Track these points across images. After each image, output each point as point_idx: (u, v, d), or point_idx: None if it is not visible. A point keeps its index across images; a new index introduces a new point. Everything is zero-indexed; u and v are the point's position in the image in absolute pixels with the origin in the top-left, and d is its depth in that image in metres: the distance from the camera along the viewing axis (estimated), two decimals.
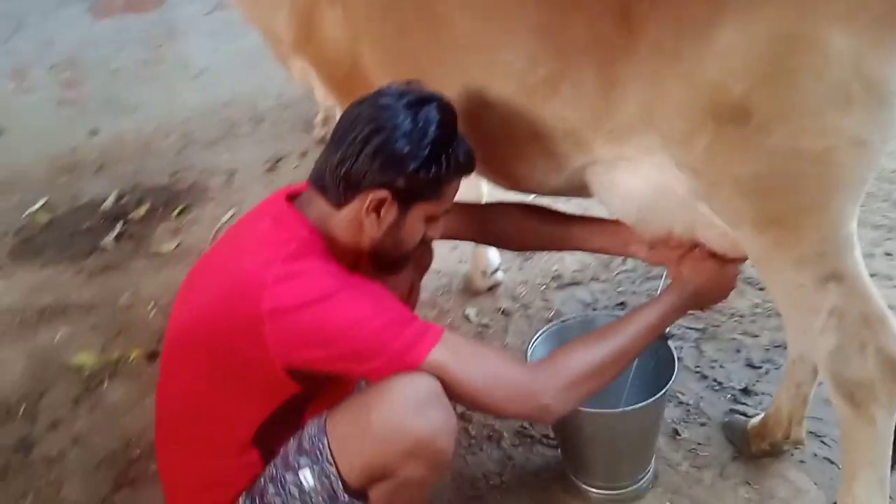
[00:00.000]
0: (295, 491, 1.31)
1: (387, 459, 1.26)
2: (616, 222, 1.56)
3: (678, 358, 1.70)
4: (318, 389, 1.37)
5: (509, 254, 2.63)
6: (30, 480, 2.06)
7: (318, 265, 1.28)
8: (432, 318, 2.43)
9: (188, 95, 3.64)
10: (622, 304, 2.39)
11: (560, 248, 1.79)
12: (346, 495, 1.29)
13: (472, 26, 1.42)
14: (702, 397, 2.00)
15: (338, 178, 1.32)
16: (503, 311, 2.45)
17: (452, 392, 1.28)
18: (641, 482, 1.74)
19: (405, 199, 1.34)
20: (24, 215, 3.38)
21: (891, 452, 1.40)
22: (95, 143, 3.64)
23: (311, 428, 1.33)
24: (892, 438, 1.39)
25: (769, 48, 1.12)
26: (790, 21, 1.09)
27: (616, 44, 1.27)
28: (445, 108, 1.35)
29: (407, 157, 1.29)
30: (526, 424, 1.96)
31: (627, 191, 1.45)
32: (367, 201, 1.31)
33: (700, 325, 2.24)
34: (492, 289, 2.53)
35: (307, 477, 1.30)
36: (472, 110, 1.49)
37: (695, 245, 1.48)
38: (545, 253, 2.61)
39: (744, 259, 1.45)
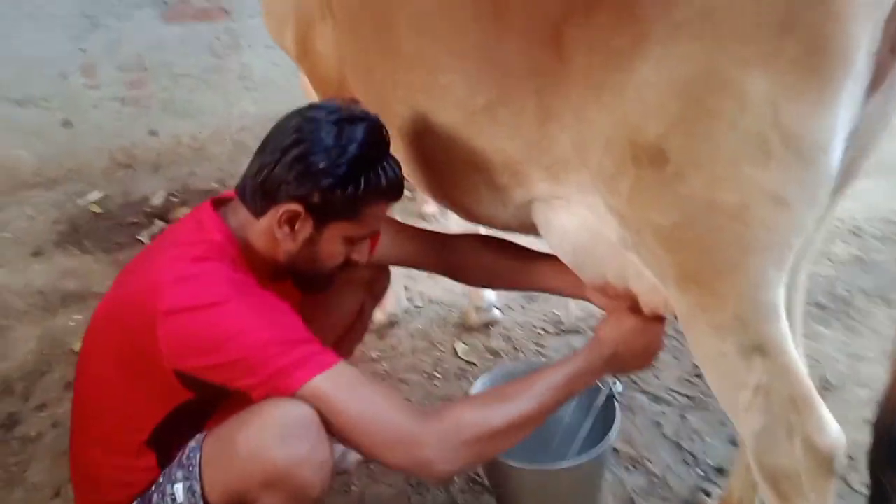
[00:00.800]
0: (170, 503, 1.28)
1: (246, 486, 1.19)
2: None
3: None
4: (215, 400, 1.33)
5: (514, 294, 2.54)
6: (2, 457, 2.12)
7: (219, 271, 1.25)
8: (420, 349, 2.37)
9: (245, 104, 3.75)
10: None
11: (518, 286, 1.70)
12: None
13: (418, 46, 1.37)
14: (671, 469, 1.85)
15: (255, 187, 1.30)
16: (493, 352, 2.35)
17: (331, 427, 1.21)
18: None
19: (320, 216, 1.29)
20: (77, 204, 3.55)
21: None
22: (153, 142, 3.79)
23: (193, 441, 1.28)
24: None
25: (685, 87, 1.01)
26: (707, 58, 0.98)
27: (550, 72, 1.19)
28: (374, 129, 1.31)
29: (322, 172, 1.25)
30: (479, 472, 1.86)
31: (563, 231, 1.36)
32: (280, 212, 1.28)
33: (691, 392, 2.08)
34: (487, 326, 2.44)
35: (178, 491, 1.26)
36: (418, 135, 1.45)
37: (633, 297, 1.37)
38: (550, 296, 2.50)
39: (664, 319, 1.33)
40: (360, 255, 1.39)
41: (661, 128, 1.05)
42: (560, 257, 1.42)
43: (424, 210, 3.19)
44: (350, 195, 1.27)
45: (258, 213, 1.31)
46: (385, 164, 1.31)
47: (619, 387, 1.60)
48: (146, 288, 1.25)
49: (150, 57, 3.62)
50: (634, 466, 1.86)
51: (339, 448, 1.89)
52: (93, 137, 3.65)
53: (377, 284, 1.70)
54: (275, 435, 1.17)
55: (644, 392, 2.12)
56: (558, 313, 2.50)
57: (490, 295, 2.41)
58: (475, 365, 2.30)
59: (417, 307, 2.58)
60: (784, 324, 1.12)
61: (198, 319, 1.19)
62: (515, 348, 2.36)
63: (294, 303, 1.48)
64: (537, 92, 1.22)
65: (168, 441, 1.32)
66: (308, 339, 1.24)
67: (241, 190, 1.33)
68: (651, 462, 1.87)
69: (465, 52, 1.28)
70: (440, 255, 1.66)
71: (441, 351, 2.37)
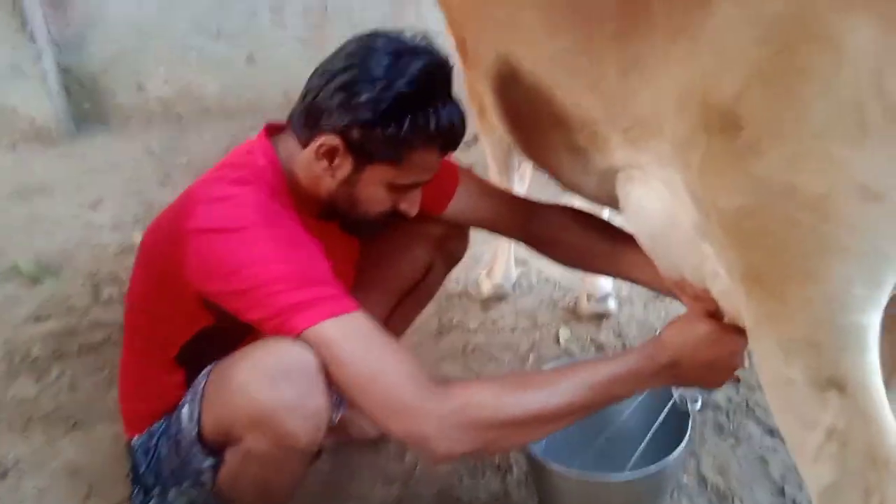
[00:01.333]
0: (178, 425, 1.26)
1: (232, 421, 1.15)
2: None
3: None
4: (238, 328, 1.27)
5: (640, 288, 2.30)
6: None
7: (252, 195, 1.19)
8: (522, 328, 2.22)
9: None
10: None
11: (604, 271, 1.50)
12: (198, 444, 1.21)
13: None
14: None
15: (301, 112, 1.23)
16: (599, 345, 2.14)
17: (333, 377, 1.12)
18: None
19: (359, 155, 1.20)
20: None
21: None
22: None
23: (208, 367, 1.25)
24: None
25: (771, 29, 0.79)
26: (795, 3, 0.76)
27: (631, 13, 1.00)
28: (432, 66, 1.19)
29: (363, 104, 1.15)
30: None
31: (640, 210, 1.16)
32: (319, 144, 1.19)
33: None
34: (599, 317, 2.23)
35: (184, 414, 1.24)
36: (505, 83, 1.31)
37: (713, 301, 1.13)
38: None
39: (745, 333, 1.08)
40: (410, 205, 1.27)
41: (738, 85, 0.83)
42: (640, 243, 1.22)
43: None
44: (392, 135, 1.16)
45: (303, 142, 1.23)
46: (439, 106, 1.18)
47: (698, 405, 1.37)
48: (184, 206, 1.22)
49: (332, 2, 3.70)
50: (721, 501, 1.60)
51: None
52: (273, 75, 3.81)
53: (451, 244, 1.57)
54: (266, 374, 1.10)
55: (758, 422, 1.82)
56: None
57: (607, 284, 2.19)
58: (572, 354, 2.11)
59: (530, 284, 2.42)
60: (873, 357, 0.87)
61: (219, 242, 1.15)
62: (624, 344, 2.13)
63: (346, 247, 1.41)
64: (616, 38, 1.03)
65: (196, 362, 1.29)
66: (326, 282, 1.15)
67: (291, 116, 1.26)
68: (742, 501, 1.60)
69: None
70: (526, 223, 1.50)
71: (543, 334, 2.20)
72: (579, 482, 1.27)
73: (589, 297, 2.20)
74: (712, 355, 1.13)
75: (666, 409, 1.34)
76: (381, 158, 1.20)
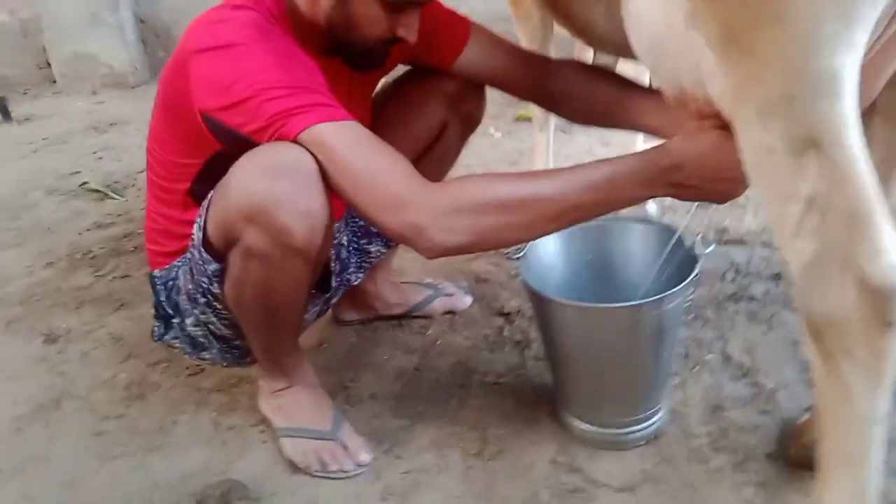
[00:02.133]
0: (191, 241, 1.31)
1: (232, 219, 1.17)
2: None
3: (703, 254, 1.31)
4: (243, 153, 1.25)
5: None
6: None
7: (250, 17, 1.22)
8: None
9: (475, 3, 3.75)
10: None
11: (614, 122, 1.45)
12: (203, 249, 1.25)
13: None
14: (787, 387, 1.50)
15: None
16: None
17: (328, 176, 1.14)
18: (639, 426, 1.36)
19: None
20: None
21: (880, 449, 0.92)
22: None
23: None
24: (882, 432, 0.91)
25: None
26: None
27: None
28: None
29: None
30: None
31: (639, 18, 1.14)
32: None
33: None
34: None
35: (195, 230, 1.29)
36: None
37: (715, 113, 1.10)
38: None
39: None
40: (408, 31, 1.28)
41: None
42: (642, 60, 1.20)
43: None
44: None
45: None
46: None
47: (711, 247, 1.32)
48: (187, 34, 1.26)
49: None
50: (744, 375, 1.55)
51: (425, 291, 1.84)
52: None
53: (465, 104, 1.56)
54: (263, 169, 1.13)
55: (793, 309, 1.75)
56: (727, 222, 2.16)
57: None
58: None
59: None
60: (849, 106, 0.83)
61: (216, 58, 1.18)
62: None
63: (352, 88, 1.42)
64: None
65: (207, 194, 1.32)
66: (322, 92, 1.17)
67: None
68: (766, 375, 1.54)
69: None
70: (539, 77, 1.49)
71: None
72: (578, 310, 1.25)
73: None
74: (716, 161, 1.09)
75: (672, 242, 1.30)
76: None
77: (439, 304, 1.83)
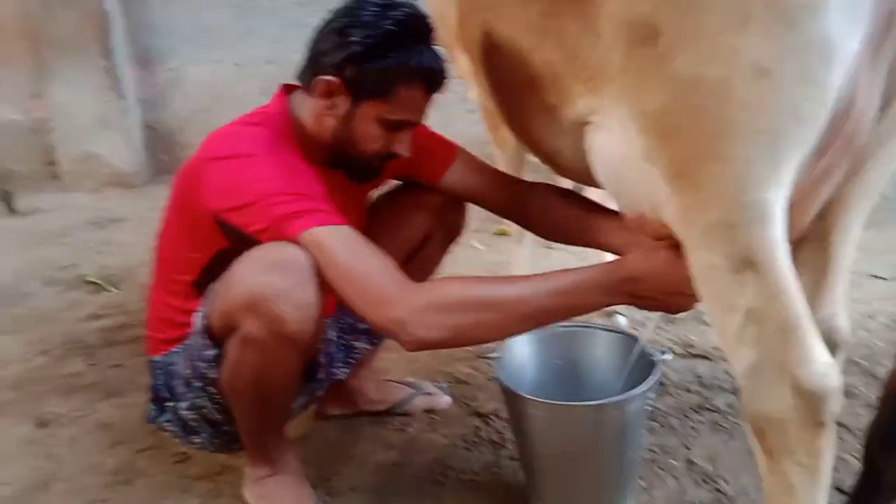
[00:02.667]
0: (192, 340, 1.43)
1: (233, 308, 1.30)
2: None
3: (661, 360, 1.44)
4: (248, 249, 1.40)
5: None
6: None
7: (259, 132, 1.39)
8: None
9: (462, 126, 3.98)
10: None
11: (581, 239, 1.60)
12: (205, 334, 1.36)
13: None
14: (747, 494, 1.59)
15: (304, 60, 1.44)
16: None
17: (324, 275, 1.28)
18: None
19: (354, 90, 1.39)
20: None
21: None
22: None
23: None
24: None
25: None
26: None
27: None
28: (415, 15, 1.40)
29: (355, 42, 1.36)
30: None
31: (601, 154, 1.30)
32: (319, 83, 1.39)
33: None
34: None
35: (198, 318, 1.41)
36: (489, 57, 1.48)
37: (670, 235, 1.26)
38: (688, 319, 2.32)
39: None
40: (402, 146, 1.45)
41: (653, 1, 0.99)
42: (602, 185, 1.36)
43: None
44: (381, 69, 1.35)
45: (307, 87, 1.43)
46: (422, 48, 1.38)
47: (668, 355, 1.46)
48: (202, 146, 1.43)
49: None
50: (705, 482, 1.64)
51: (406, 390, 1.93)
52: None
53: (449, 216, 1.72)
54: (264, 265, 1.27)
55: None
56: (693, 337, 2.30)
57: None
58: None
59: None
60: (779, 232, 0.98)
61: (228, 166, 1.34)
62: None
63: (352, 195, 1.58)
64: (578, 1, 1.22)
65: (210, 286, 1.44)
66: (321, 200, 1.32)
67: (299, 72, 1.47)
68: (727, 482, 1.63)
69: None
70: (515, 198, 1.66)
71: None
72: (547, 407, 1.36)
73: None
74: (669, 276, 1.23)
75: (635, 350, 1.43)
76: (372, 93, 1.38)
77: (420, 403, 1.92)
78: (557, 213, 1.60)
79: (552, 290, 1.24)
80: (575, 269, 1.27)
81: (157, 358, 1.54)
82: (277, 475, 1.53)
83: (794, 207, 1.12)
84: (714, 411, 1.91)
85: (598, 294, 1.25)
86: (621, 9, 1.05)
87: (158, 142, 4.28)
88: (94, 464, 1.79)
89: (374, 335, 1.75)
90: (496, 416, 1.90)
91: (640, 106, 1.07)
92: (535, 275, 1.27)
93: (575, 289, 1.24)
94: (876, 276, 2.69)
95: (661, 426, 1.84)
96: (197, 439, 1.56)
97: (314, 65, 1.42)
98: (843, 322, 1.15)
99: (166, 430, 1.59)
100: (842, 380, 0.98)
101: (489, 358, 1.54)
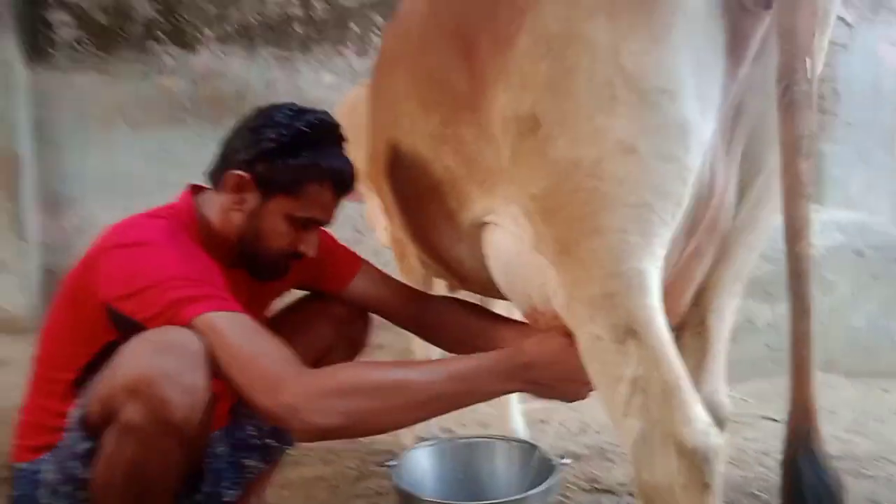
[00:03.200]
0: (65, 443, 1.34)
1: (113, 393, 1.23)
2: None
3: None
4: None
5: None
6: None
7: (164, 223, 1.40)
8: None
9: None
10: None
11: (483, 349, 1.63)
12: (81, 426, 1.28)
13: (389, 82, 1.55)
14: None
15: (216, 158, 1.49)
16: None
17: (216, 359, 1.24)
18: None
19: (264, 186, 1.43)
20: None
21: None
22: None
23: None
24: None
25: (550, 47, 1.06)
26: (563, 17, 1.04)
27: (472, 86, 1.27)
28: (327, 120, 1.48)
29: (268, 139, 1.42)
30: None
31: (496, 251, 1.37)
32: (229, 178, 1.43)
33: None
34: None
35: (74, 414, 1.32)
36: (394, 169, 1.58)
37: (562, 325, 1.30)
38: (594, 455, 2.32)
39: None
40: (308, 246, 1.48)
41: (534, 94, 1.09)
42: (499, 285, 1.41)
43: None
44: (291, 166, 1.40)
45: (216, 183, 1.47)
46: (333, 150, 1.45)
47: (568, 460, 1.45)
48: (100, 237, 1.42)
49: None
50: None
51: None
52: None
53: (352, 328, 1.71)
54: (152, 346, 1.22)
55: None
56: (598, 473, 2.28)
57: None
58: None
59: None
60: (656, 301, 1.04)
61: (125, 253, 1.33)
62: None
63: (255, 293, 1.56)
64: (468, 106, 1.31)
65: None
66: (218, 287, 1.31)
67: (210, 171, 1.51)
68: None
69: (418, 79, 1.43)
70: (417, 310, 1.68)
71: None
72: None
73: None
74: (564, 364, 1.26)
75: (534, 459, 1.42)
76: (282, 189, 1.42)
77: None
78: (458, 323, 1.63)
79: (451, 375, 1.24)
80: (474, 356, 1.29)
81: (23, 466, 1.41)
82: None
83: (672, 290, 1.20)
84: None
85: (496, 380, 1.26)
86: (507, 106, 1.15)
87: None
88: None
89: (268, 453, 1.67)
90: None
91: (527, 191, 1.14)
92: (434, 360, 1.28)
93: (473, 374, 1.25)
94: (768, 418, 2.78)
95: None
96: None
97: (225, 162, 1.46)
98: (724, 398, 1.19)
99: None
100: (722, 442, 1.00)
101: (388, 466, 1.48)
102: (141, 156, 4.14)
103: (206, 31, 4.19)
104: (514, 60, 1.13)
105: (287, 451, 1.74)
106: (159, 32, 4.19)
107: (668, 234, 1.06)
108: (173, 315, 1.25)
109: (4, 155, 3.95)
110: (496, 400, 1.38)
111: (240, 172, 1.43)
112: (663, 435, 1.02)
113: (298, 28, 4.16)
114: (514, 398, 2.38)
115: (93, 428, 1.28)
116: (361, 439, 2.46)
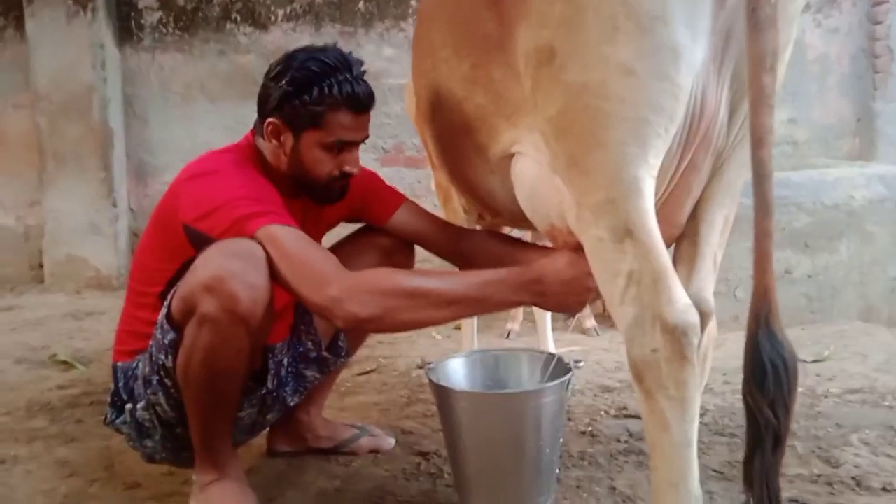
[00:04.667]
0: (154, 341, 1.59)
1: (192, 289, 1.46)
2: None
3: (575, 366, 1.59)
4: None
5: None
6: None
7: (230, 156, 1.64)
8: None
9: None
10: None
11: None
12: (165, 320, 1.52)
13: (428, 32, 1.74)
14: None
15: (257, 109, 1.70)
16: None
17: (273, 263, 1.46)
18: None
19: (294, 125, 1.63)
20: None
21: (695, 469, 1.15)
22: None
23: None
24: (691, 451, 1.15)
25: None
26: None
27: (506, 24, 1.42)
28: (338, 53, 1.65)
29: (287, 82, 1.60)
30: None
31: (521, 178, 1.54)
32: (266, 126, 1.65)
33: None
34: None
35: (162, 314, 1.57)
36: (434, 111, 1.76)
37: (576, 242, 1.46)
38: (625, 388, 2.47)
39: None
40: (351, 164, 1.68)
41: (551, 29, 1.26)
42: (524, 209, 1.58)
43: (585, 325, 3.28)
44: (307, 102, 1.59)
45: (262, 132, 1.68)
46: (345, 77, 1.61)
47: (580, 364, 1.62)
48: (183, 169, 1.67)
49: None
50: (625, 502, 1.74)
51: (352, 430, 2.04)
52: None
53: (397, 256, 1.89)
54: (223, 253, 1.46)
55: None
56: (628, 402, 2.42)
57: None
58: None
59: None
60: (649, 203, 1.21)
61: (200, 181, 1.58)
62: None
63: (308, 222, 1.77)
64: (498, 48, 1.49)
65: None
66: (278, 207, 1.53)
67: (254, 124, 1.74)
68: (644, 502, 1.74)
69: (453, 30, 1.61)
70: (453, 241, 1.87)
71: None
72: (471, 397, 1.52)
73: None
74: (570, 275, 1.44)
75: (553, 363, 1.60)
76: (307, 124, 1.62)
77: (365, 443, 2.02)
78: (491, 251, 1.82)
79: (470, 283, 1.44)
80: (491, 270, 1.48)
81: (121, 364, 1.68)
82: (222, 480, 1.62)
83: (672, 200, 1.36)
84: (640, 454, 2.02)
85: (509, 292, 1.46)
86: (529, 40, 1.31)
87: None
88: (45, 490, 1.85)
89: (325, 365, 1.89)
90: (437, 454, 2.00)
91: (544, 115, 1.31)
92: (458, 272, 1.47)
93: (489, 285, 1.45)
94: (801, 360, 2.86)
95: (589, 464, 1.94)
96: (149, 443, 1.66)
97: (261, 113, 1.68)
98: (709, 295, 1.34)
99: (121, 433, 1.69)
100: (698, 320, 1.16)
101: (427, 367, 1.69)
102: (219, 127, 4.47)
103: (277, 11, 4.47)
104: (534, 2, 1.29)
105: (341, 363, 1.96)
106: (235, 14, 4.49)
107: (663, 146, 1.21)
108: (240, 229, 1.48)
109: (99, 128, 4.34)
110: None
111: (272, 119, 1.64)
112: (651, 317, 1.18)
113: (361, 5, 4.40)
114: (549, 334, 2.57)
115: (176, 322, 1.52)
116: (410, 374, 2.69)
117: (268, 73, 1.68)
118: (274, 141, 1.66)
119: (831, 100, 4.30)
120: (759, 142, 1.10)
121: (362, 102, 1.66)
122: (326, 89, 1.60)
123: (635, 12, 1.15)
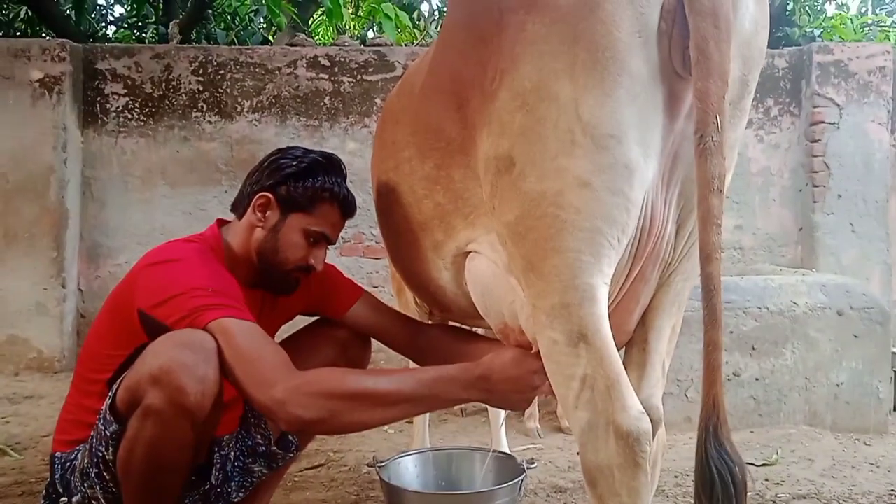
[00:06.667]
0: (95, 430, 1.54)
1: (140, 378, 1.43)
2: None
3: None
4: None
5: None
6: None
7: (193, 246, 1.64)
8: None
9: None
10: None
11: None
12: (108, 410, 1.48)
13: (392, 133, 1.81)
14: None
15: (240, 193, 1.75)
16: None
17: (223, 357, 1.45)
18: None
19: (285, 205, 1.69)
20: None
21: None
22: None
23: None
24: None
25: (523, 103, 1.29)
26: (535, 77, 1.26)
27: (469, 127, 1.47)
28: (331, 155, 1.76)
29: (288, 166, 1.69)
30: None
31: (475, 276, 1.58)
32: (255, 200, 1.70)
33: None
34: None
35: (109, 395, 1.52)
36: (390, 209, 1.81)
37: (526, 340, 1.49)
38: None
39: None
40: (317, 261, 1.73)
41: (511, 139, 1.32)
42: (477, 305, 1.61)
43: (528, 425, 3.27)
44: (308, 187, 1.67)
45: (241, 209, 1.73)
46: (339, 178, 1.72)
47: (534, 465, 1.62)
48: (143, 256, 1.66)
49: None
50: None
51: None
52: None
53: (353, 350, 1.90)
54: (174, 343, 1.44)
55: None
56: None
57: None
58: None
59: None
60: (602, 309, 1.25)
61: (163, 268, 1.58)
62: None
63: (265, 316, 1.78)
64: (460, 150, 1.55)
65: None
66: (237, 300, 1.54)
67: (233, 205, 1.78)
68: None
69: (417, 131, 1.67)
70: (409, 335, 1.89)
71: None
72: (423, 498, 1.49)
73: None
74: (516, 373, 1.46)
75: (506, 463, 1.59)
76: (299, 207, 1.69)
77: None
78: (445, 346, 1.83)
79: (420, 380, 1.45)
80: (439, 367, 1.50)
81: (59, 454, 1.62)
82: None
83: (622, 309, 1.40)
84: None
85: (457, 389, 1.47)
86: (489, 147, 1.37)
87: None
88: None
89: (273, 459, 1.85)
90: None
91: (502, 219, 1.36)
92: (405, 369, 1.48)
93: (436, 383, 1.46)
94: (749, 464, 2.89)
95: None
96: None
97: (250, 189, 1.72)
98: (658, 402, 1.37)
99: None
100: (650, 427, 1.18)
101: (378, 464, 1.66)
102: (177, 212, 4.47)
103: (244, 102, 4.56)
104: (495, 111, 1.36)
105: (290, 458, 1.92)
106: (202, 103, 4.57)
107: (615, 256, 1.27)
108: (195, 319, 1.48)
109: (55, 209, 4.30)
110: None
111: (264, 193, 1.70)
112: (605, 423, 1.20)
113: (327, 100, 4.52)
114: (503, 433, 2.55)
115: (120, 413, 1.48)
116: (360, 470, 2.64)
117: (265, 159, 1.75)
118: (258, 214, 1.70)
119: (774, 210, 4.51)
120: (707, 258, 1.16)
121: (351, 208, 1.76)
122: (328, 182, 1.70)
123: (592, 129, 1.22)
